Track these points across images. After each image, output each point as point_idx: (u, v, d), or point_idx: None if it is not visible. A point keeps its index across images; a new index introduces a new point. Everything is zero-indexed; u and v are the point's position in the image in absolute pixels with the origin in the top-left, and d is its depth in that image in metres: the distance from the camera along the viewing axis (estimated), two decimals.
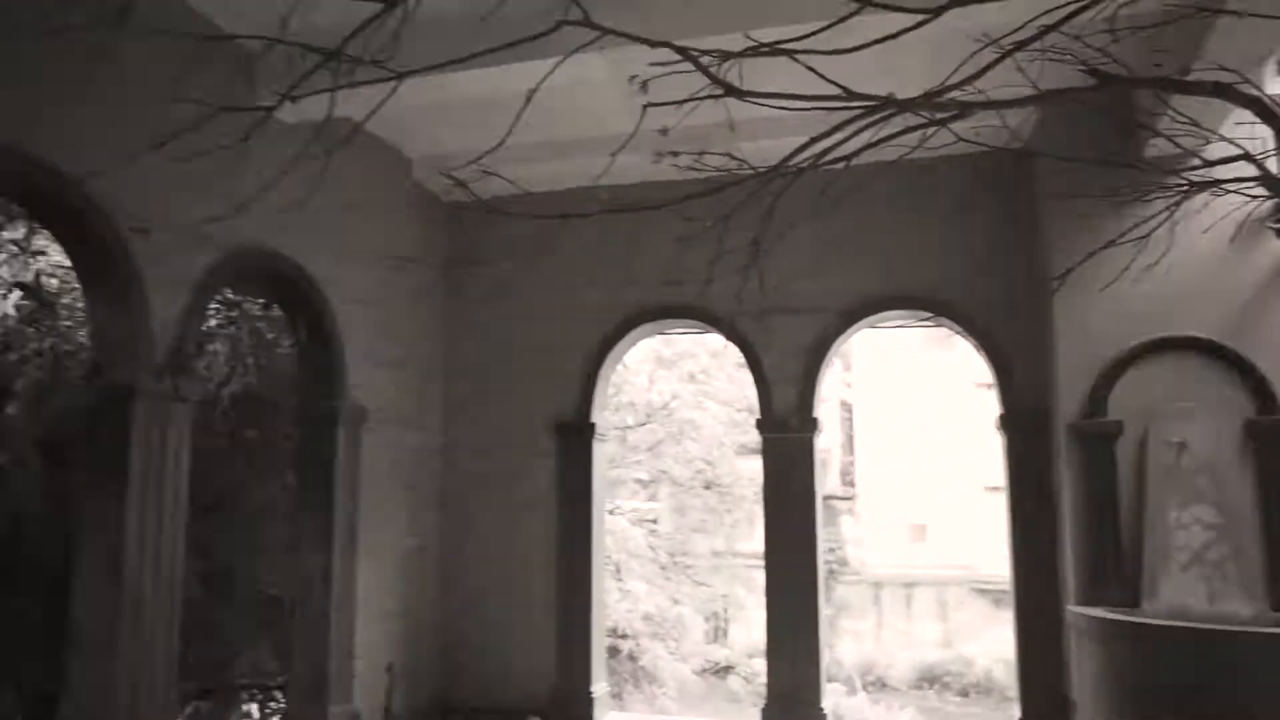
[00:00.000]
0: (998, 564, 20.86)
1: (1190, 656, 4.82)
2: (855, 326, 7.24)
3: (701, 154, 2.96)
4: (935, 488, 27.37)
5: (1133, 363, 5.96)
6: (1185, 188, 4.27)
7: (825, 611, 7.21)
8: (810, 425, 7.17)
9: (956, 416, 26.79)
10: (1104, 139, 5.30)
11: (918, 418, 26.79)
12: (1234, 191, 4.20)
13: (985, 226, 6.70)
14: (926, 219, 6.78)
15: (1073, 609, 5.80)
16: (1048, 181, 5.96)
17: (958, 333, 6.97)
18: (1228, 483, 5.69)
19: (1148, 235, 4.42)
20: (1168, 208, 4.37)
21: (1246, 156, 3.92)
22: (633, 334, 7.71)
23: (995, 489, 29.86)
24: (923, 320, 7.29)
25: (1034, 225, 6.40)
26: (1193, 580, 5.50)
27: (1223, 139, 4.45)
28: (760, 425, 7.31)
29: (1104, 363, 6.00)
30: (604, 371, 7.71)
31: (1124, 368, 5.97)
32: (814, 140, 2.76)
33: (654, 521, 14.08)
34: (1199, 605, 5.50)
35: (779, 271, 5.20)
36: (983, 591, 25.39)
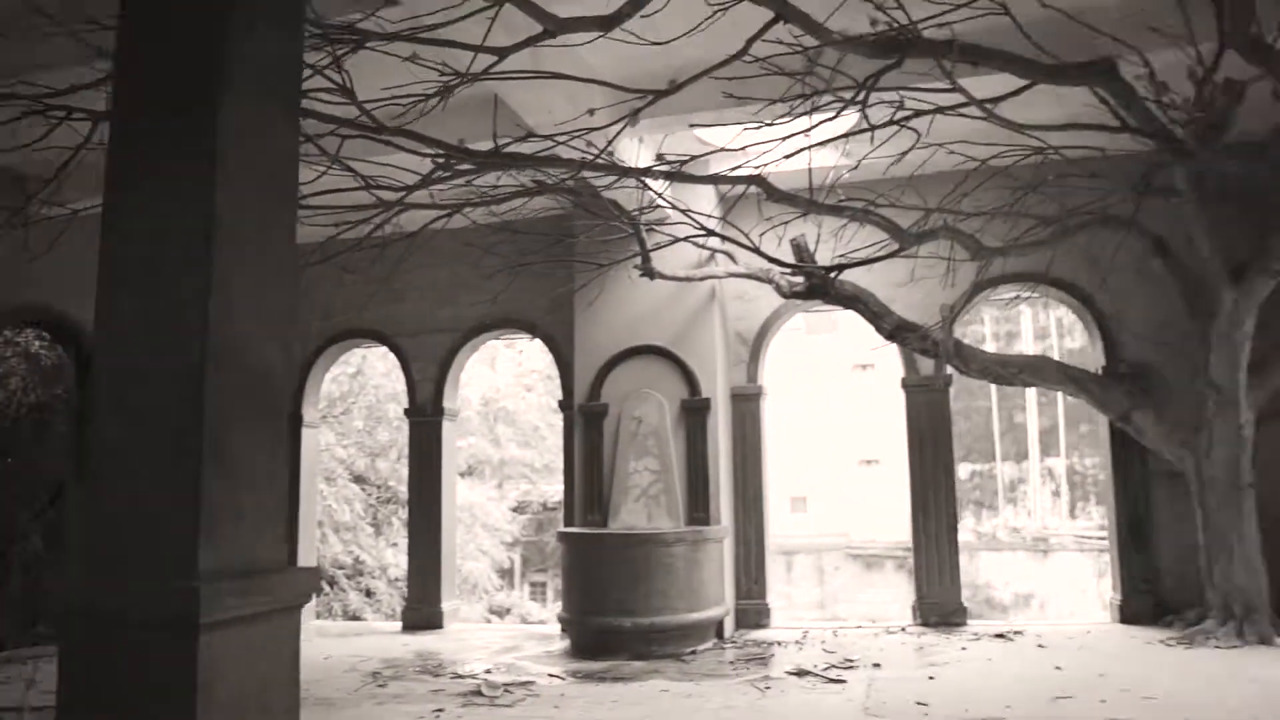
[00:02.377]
0: (871, 531, 27.23)
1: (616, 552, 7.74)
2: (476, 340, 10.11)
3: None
4: (814, 462, 30.17)
5: (617, 364, 8.81)
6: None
7: None
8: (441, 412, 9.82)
9: (835, 396, 30.77)
10: None
11: (801, 397, 28.48)
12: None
13: (554, 272, 8.73)
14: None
15: (560, 530, 8.78)
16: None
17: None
18: (667, 442, 8.56)
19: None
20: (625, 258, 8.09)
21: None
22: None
23: (869, 462, 29.85)
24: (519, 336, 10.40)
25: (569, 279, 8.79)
26: (640, 508, 8.40)
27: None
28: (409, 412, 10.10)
29: (600, 364, 8.81)
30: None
31: (611, 367, 8.82)
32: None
33: None
34: (643, 524, 8.27)
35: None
36: (855, 556, 30.01)
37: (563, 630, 8.41)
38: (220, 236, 2.64)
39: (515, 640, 8.73)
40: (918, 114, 5.25)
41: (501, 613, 18.18)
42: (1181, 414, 7.69)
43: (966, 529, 31.52)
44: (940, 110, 5.19)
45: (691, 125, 6.79)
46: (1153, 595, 8.24)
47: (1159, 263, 7.71)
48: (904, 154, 5.67)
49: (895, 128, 5.36)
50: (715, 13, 4.21)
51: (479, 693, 6.23)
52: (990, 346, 31.62)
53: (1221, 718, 5.06)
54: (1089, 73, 5.38)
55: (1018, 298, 9.13)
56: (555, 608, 13.78)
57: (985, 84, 5.45)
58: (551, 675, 6.87)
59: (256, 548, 2.70)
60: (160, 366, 2.59)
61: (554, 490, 20.12)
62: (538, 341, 10.14)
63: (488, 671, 7.05)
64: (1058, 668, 6.52)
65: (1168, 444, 7.64)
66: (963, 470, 33.76)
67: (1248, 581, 7.12)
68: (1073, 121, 5.53)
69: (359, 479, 15.80)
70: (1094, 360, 8.79)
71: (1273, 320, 7.38)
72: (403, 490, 14.98)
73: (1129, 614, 8.26)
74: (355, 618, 13.91)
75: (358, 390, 16.07)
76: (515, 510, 19.78)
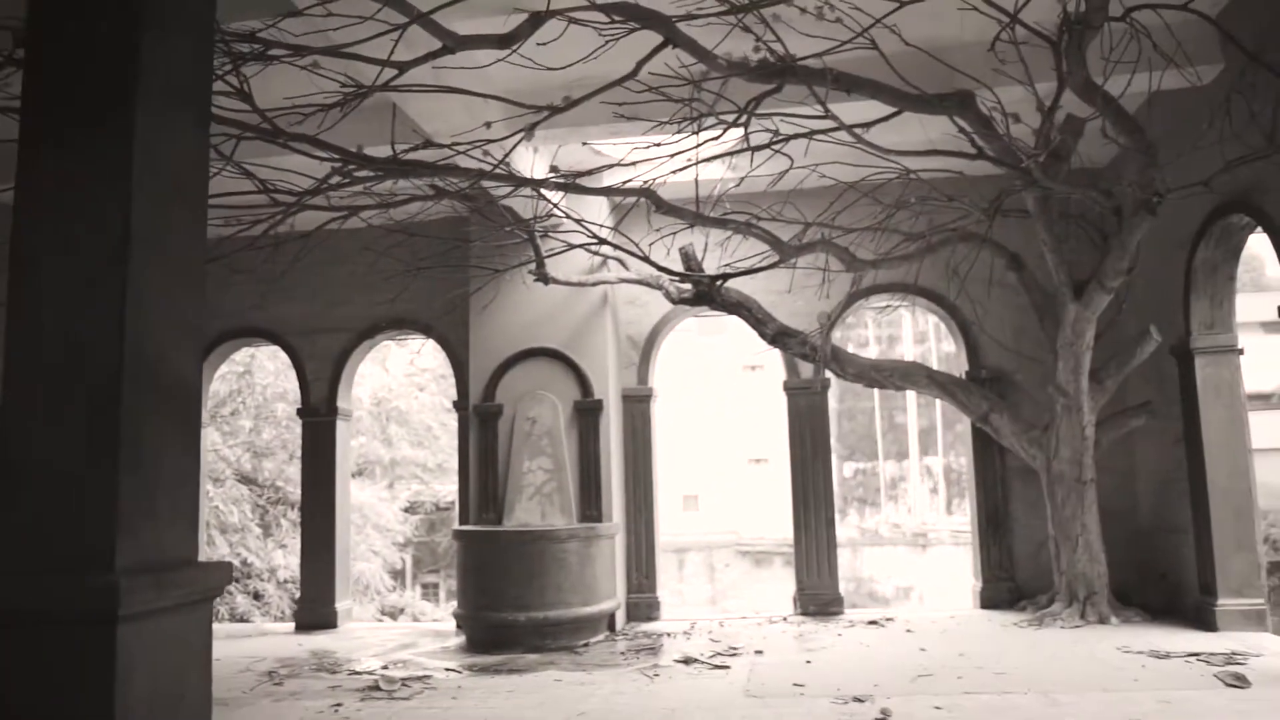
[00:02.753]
0: (760, 528, 28.42)
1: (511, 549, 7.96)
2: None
3: None
4: (705, 461, 30.96)
5: (511, 366, 8.99)
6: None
7: None
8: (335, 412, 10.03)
9: (726, 396, 31.45)
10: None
11: (693, 397, 29.19)
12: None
13: (450, 274, 8.78)
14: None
15: (456, 528, 8.85)
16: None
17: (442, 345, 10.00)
18: (560, 442, 8.78)
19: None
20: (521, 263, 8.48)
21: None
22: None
23: (759, 461, 31.67)
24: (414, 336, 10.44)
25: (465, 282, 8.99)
26: (534, 506, 8.65)
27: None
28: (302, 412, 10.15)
29: (495, 365, 8.98)
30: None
31: (506, 369, 9.00)
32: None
33: None
34: (537, 522, 8.47)
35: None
36: (745, 553, 30.88)
37: (458, 627, 8.56)
38: (134, 245, 2.72)
39: (411, 638, 8.83)
40: (792, 137, 5.67)
41: (394, 613, 18.03)
42: (1034, 416, 8.38)
43: (851, 525, 32.75)
44: (813, 134, 5.61)
45: (584, 142, 7.06)
46: (1010, 582, 8.92)
47: (1015, 276, 8.39)
48: (782, 174, 6.08)
49: (774, 149, 5.77)
50: (608, 42, 4.50)
51: (377, 687, 6.36)
52: (874, 349, 32.97)
53: (1061, 685, 5.64)
54: (948, 103, 5.91)
55: (890, 306, 9.72)
56: (449, 607, 13.84)
57: (856, 111, 5.90)
58: (448, 669, 7.03)
59: (170, 544, 2.82)
60: (77, 373, 2.68)
61: (447, 490, 20.02)
62: (432, 342, 10.24)
63: (385, 668, 7.16)
64: (922, 649, 7.04)
65: (1021, 443, 8.30)
66: (847, 469, 35.03)
67: (1089, 568, 7.82)
68: (935, 148, 6.04)
69: (247, 480, 15.47)
70: (962, 365, 9.47)
71: (1109, 332, 8.13)
72: (291, 491, 14.76)
73: (989, 600, 8.92)
74: (243, 620, 13.65)
75: (246, 390, 15.73)
76: (407, 511, 19.57)
